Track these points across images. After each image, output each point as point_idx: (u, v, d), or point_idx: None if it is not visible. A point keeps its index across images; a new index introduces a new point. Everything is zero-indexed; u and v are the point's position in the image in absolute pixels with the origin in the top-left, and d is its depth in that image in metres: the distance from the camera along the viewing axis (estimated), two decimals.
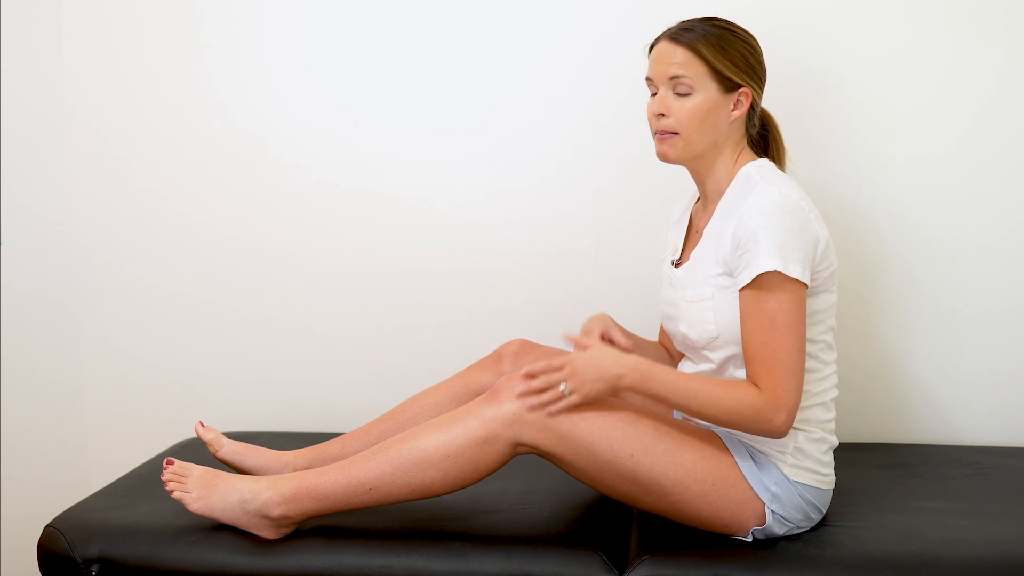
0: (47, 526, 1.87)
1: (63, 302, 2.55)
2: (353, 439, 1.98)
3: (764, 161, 1.86)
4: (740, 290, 1.73)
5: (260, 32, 2.46)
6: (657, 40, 1.86)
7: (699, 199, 1.96)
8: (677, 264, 1.91)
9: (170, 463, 1.83)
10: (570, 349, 1.87)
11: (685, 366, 1.92)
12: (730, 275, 1.77)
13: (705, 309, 1.80)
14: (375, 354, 2.50)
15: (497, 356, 2.03)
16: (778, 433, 1.72)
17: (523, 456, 1.83)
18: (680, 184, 2.34)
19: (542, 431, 1.74)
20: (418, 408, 1.99)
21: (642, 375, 1.73)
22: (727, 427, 1.75)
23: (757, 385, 1.71)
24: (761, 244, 1.70)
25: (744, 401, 1.70)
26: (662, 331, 2.09)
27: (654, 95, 1.85)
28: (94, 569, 1.81)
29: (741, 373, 1.80)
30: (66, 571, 1.82)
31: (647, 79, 1.86)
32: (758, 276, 1.70)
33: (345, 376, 2.52)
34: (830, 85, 2.28)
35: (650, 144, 2.34)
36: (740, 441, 1.80)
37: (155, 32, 2.48)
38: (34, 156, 2.47)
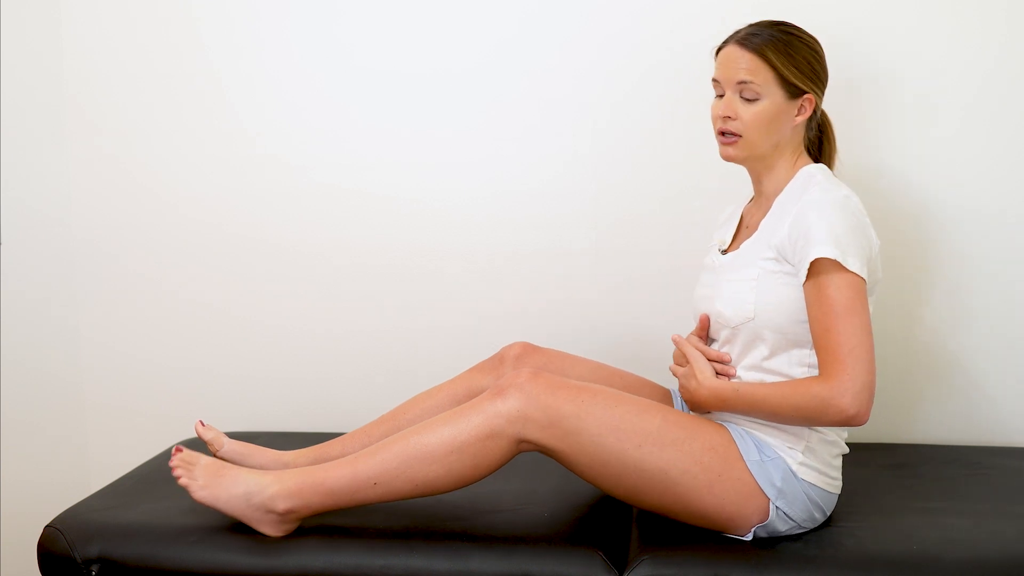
0: (47, 526, 1.87)
1: (63, 302, 2.55)
2: (353, 440, 1.98)
3: (823, 166, 1.89)
4: (803, 284, 1.75)
5: (260, 30, 2.46)
6: (725, 43, 1.88)
7: (752, 199, 1.98)
8: (725, 252, 1.93)
9: (179, 450, 1.84)
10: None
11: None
12: (780, 260, 1.79)
13: (747, 289, 1.81)
14: (375, 354, 2.50)
15: (499, 359, 2.02)
16: (853, 418, 1.70)
17: (523, 456, 1.83)
18: (680, 185, 2.35)
19: (547, 428, 1.74)
20: (419, 410, 1.99)
21: (718, 399, 1.81)
22: (804, 424, 1.76)
23: (823, 375, 1.72)
24: (821, 234, 1.72)
25: (809, 393, 1.71)
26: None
27: (719, 96, 1.87)
28: (94, 569, 1.81)
29: (777, 363, 1.81)
30: (66, 571, 1.82)
31: (714, 80, 1.87)
32: (817, 262, 1.72)
33: (345, 376, 2.51)
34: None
35: (650, 144, 2.36)
36: (748, 434, 1.80)
37: (155, 32, 2.48)
38: (34, 155, 2.47)
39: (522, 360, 2.00)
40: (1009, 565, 1.69)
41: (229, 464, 1.84)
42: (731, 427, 1.82)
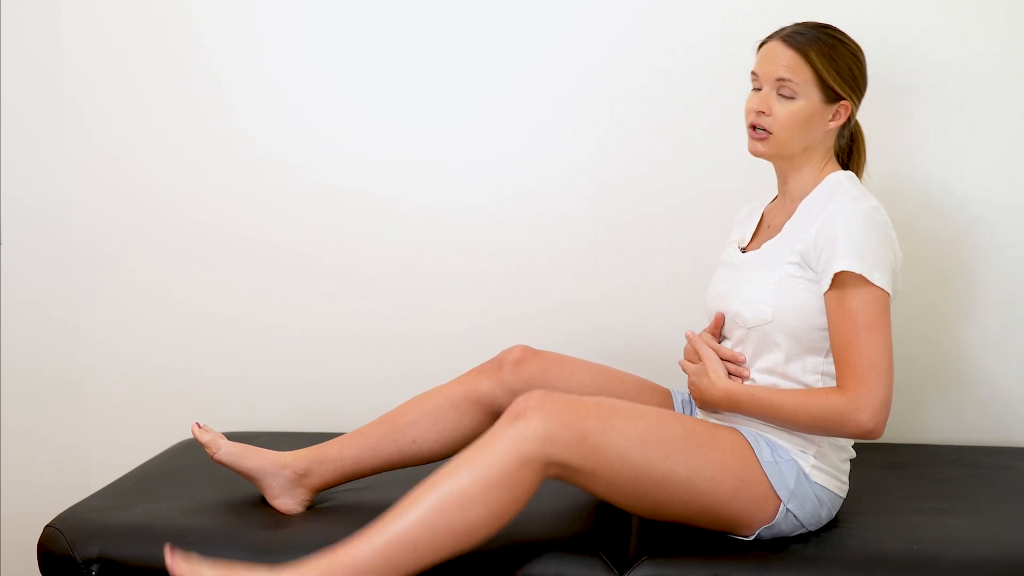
0: (47, 526, 1.87)
1: (63, 302, 2.55)
2: (351, 440, 1.96)
3: (851, 174, 1.88)
4: (825, 293, 1.74)
5: (260, 30, 2.46)
6: (769, 39, 1.87)
7: (775, 198, 1.97)
8: (744, 250, 1.93)
9: (174, 551, 1.64)
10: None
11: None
12: (803, 266, 1.78)
13: (768, 291, 1.80)
14: (375, 354, 2.50)
15: (498, 363, 1.98)
16: (869, 432, 1.70)
17: None
18: (681, 185, 2.35)
19: (575, 446, 1.67)
20: (418, 413, 1.95)
21: (731, 401, 1.81)
22: (817, 434, 1.76)
23: (841, 387, 1.71)
24: (847, 246, 1.71)
25: (827, 405, 1.71)
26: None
27: (756, 90, 1.85)
28: (94, 569, 1.81)
29: (790, 369, 1.80)
30: (66, 571, 1.82)
31: (753, 74, 1.86)
32: (841, 274, 1.71)
33: (345, 376, 2.51)
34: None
35: (650, 144, 2.36)
36: (760, 436, 1.80)
37: (155, 32, 2.48)
38: (34, 155, 2.47)
39: (522, 363, 1.96)
40: (1009, 565, 1.68)
41: (237, 566, 1.65)
42: (743, 429, 1.81)
